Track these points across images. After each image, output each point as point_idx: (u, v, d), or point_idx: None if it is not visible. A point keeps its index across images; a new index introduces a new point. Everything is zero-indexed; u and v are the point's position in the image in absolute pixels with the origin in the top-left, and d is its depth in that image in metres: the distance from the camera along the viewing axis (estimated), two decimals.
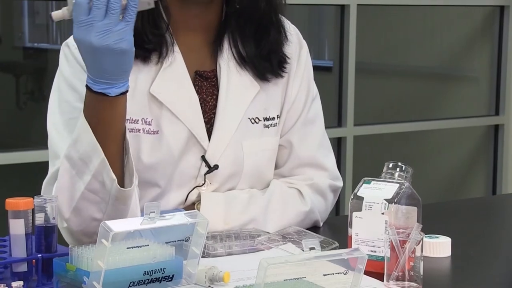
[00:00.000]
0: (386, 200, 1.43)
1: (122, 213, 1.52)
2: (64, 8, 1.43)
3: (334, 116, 4.08)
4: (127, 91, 1.48)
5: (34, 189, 1.60)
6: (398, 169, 1.49)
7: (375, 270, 1.41)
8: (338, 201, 1.97)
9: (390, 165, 1.50)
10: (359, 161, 4.12)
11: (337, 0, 4.07)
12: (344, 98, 4.07)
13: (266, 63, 1.73)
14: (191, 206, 1.69)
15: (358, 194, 1.46)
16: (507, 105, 4.60)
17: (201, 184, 1.69)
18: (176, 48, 1.69)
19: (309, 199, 1.75)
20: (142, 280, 1.28)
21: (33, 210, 1.33)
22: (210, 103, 1.71)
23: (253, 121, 1.73)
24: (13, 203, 1.32)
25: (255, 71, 1.73)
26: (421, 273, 1.37)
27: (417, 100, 4.66)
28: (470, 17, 4.71)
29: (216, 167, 1.69)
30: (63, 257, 1.31)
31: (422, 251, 1.37)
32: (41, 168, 1.77)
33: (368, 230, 1.45)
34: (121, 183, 1.52)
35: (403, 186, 1.45)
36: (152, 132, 1.66)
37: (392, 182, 1.46)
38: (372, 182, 1.47)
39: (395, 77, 4.83)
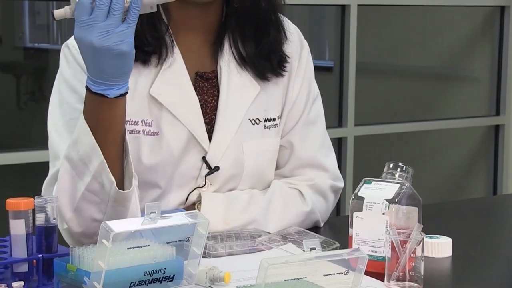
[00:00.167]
0: (386, 200, 1.43)
1: (122, 214, 1.52)
2: (67, 7, 1.43)
3: (334, 116, 4.08)
4: (126, 92, 1.48)
5: (34, 189, 1.60)
6: (398, 169, 1.49)
7: (375, 270, 1.41)
8: (339, 201, 1.97)
9: (391, 165, 1.50)
10: (360, 161, 4.12)
11: (338, 0, 4.07)
12: (344, 98, 4.07)
13: (266, 62, 1.73)
14: (192, 206, 1.69)
15: (359, 194, 1.46)
16: (508, 105, 4.60)
17: (201, 185, 1.69)
18: (176, 50, 1.68)
19: (309, 199, 1.75)
20: (142, 281, 1.28)
21: (33, 210, 1.33)
22: (211, 104, 1.71)
23: (253, 122, 1.73)
24: (14, 203, 1.32)
25: (255, 70, 1.73)
26: (422, 273, 1.37)
27: (417, 100, 4.66)
28: (471, 17, 4.71)
29: (217, 168, 1.69)
30: (64, 257, 1.31)
31: (422, 251, 1.37)
32: (42, 168, 1.77)
33: (369, 230, 1.45)
34: (121, 185, 1.52)
35: (403, 186, 1.45)
36: (152, 134, 1.65)
37: (393, 182, 1.46)
38: (373, 182, 1.47)
39: (395, 77, 4.83)
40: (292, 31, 1.79)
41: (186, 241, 1.35)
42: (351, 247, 1.45)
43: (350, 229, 1.47)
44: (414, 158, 4.59)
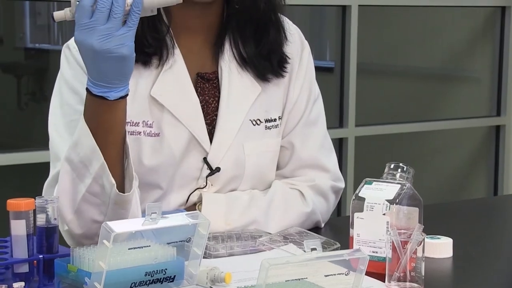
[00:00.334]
0: (387, 200, 1.43)
1: (122, 216, 1.51)
2: (67, 9, 1.43)
3: (335, 116, 4.08)
4: (126, 95, 1.48)
5: (35, 190, 1.60)
6: (399, 170, 1.49)
7: (376, 271, 1.41)
8: (340, 202, 1.96)
9: (392, 166, 1.50)
10: (360, 161, 4.12)
11: (339, 1, 4.07)
12: (345, 99, 4.07)
13: (266, 63, 1.73)
14: (193, 207, 1.69)
15: (360, 194, 1.46)
16: (509, 106, 4.60)
17: (202, 186, 1.69)
18: (177, 51, 1.68)
19: (310, 200, 1.75)
20: (143, 281, 1.28)
21: (34, 211, 1.33)
22: (212, 105, 1.71)
23: (254, 122, 1.73)
24: (15, 203, 1.32)
25: (255, 71, 1.73)
26: (423, 273, 1.37)
27: (418, 100, 4.66)
28: (471, 18, 4.71)
29: (218, 169, 1.69)
30: (65, 258, 1.31)
31: (423, 251, 1.37)
32: (43, 169, 1.77)
33: (370, 230, 1.45)
34: (121, 187, 1.52)
35: (404, 187, 1.45)
36: (153, 135, 1.65)
37: (394, 183, 1.46)
38: (374, 182, 1.47)
39: (396, 78, 4.82)
40: (293, 31, 1.79)
41: (187, 242, 1.35)
42: (352, 248, 1.45)
43: (351, 229, 1.47)
44: (415, 158, 4.58)
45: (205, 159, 1.69)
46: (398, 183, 1.46)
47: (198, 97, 1.69)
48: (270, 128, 1.75)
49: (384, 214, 1.43)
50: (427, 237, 1.50)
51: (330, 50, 4.45)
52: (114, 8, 1.40)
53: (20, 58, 4.15)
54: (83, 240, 1.54)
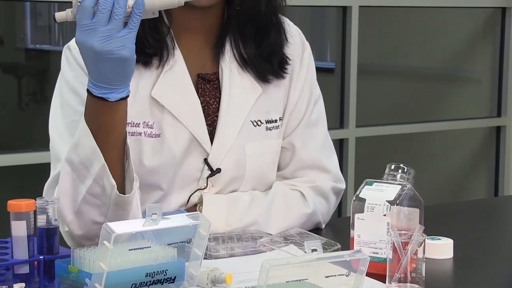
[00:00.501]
0: (388, 201, 1.43)
1: (123, 217, 1.51)
2: (68, 10, 1.43)
3: (336, 117, 4.08)
4: (127, 96, 1.48)
5: (36, 191, 1.60)
6: (400, 171, 1.49)
7: (377, 271, 1.41)
8: (340, 202, 1.97)
9: (392, 167, 1.50)
10: (361, 162, 4.12)
11: (339, 2, 4.07)
12: (346, 100, 4.07)
13: (267, 64, 1.73)
14: (193, 208, 1.69)
15: (360, 195, 1.46)
16: (509, 107, 4.60)
17: (203, 187, 1.69)
18: (177, 52, 1.68)
19: (311, 201, 1.75)
20: (144, 282, 1.28)
21: (35, 211, 1.33)
22: (213, 106, 1.71)
23: (255, 124, 1.73)
24: (15, 204, 1.32)
25: (256, 72, 1.73)
26: (423, 274, 1.37)
27: (419, 101, 4.66)
28: (472, 19, 4.71)
29: (218, 170, 1.69)
30: (65, 259, 1.31)
31: (424, 252, 1.37)
32: (43, 170, 1.77)
33: (370, 231, 1.45)
34: (122, 188, 1.52)
35: (405, 188, 1.45)
36: (154, 136, 1.65)
37: (394, 184, 1.46)
38: (374, 183, 1.47)
39: (397, 79, 4.82)
40: (294, 33, 1.79)
41: (187, 243, 1.35)
42: (353, 249, 1.45)
43: (351, 230, 1.47)
44: (416, 159, 4.58)
45: (205, 160, 1.69)
46: (398, 184, 1.46)
47: (199, 98, 1.69)
48: (271, 129, 1.75)
49: (384, 215, 1.43)
50: (427, 238, 1.50)
51: (330, 51, 4.45)
52: (115, 9, 1.40)
53: (20, 58, 4.15)
54: (83, 241, 1.55)
